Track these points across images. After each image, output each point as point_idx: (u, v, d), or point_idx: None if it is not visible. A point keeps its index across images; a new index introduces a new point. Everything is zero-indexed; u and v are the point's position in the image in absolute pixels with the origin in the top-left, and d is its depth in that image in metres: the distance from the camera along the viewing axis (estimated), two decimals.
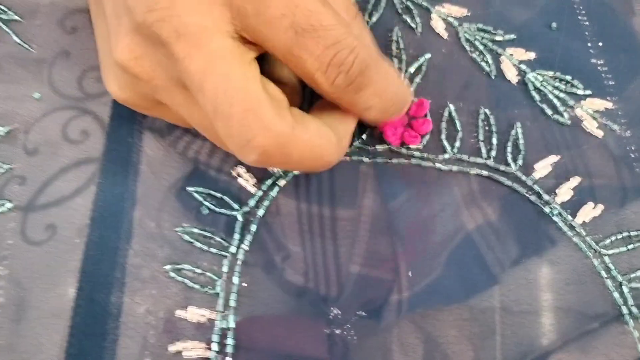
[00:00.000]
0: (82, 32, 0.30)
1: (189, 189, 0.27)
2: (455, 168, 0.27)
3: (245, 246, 0.26)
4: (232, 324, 0.24)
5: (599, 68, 0.30)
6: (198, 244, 0.25)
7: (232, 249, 0.25)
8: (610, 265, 0.26)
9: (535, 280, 0.26)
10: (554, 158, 0.28)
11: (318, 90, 0.23)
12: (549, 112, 0.29)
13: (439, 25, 0.31)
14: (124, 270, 0.25)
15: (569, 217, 0.27)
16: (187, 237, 0.26)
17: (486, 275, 0.26)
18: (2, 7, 0.30)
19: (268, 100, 0.20)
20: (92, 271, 0.25)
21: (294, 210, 0.26)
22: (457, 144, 0.28)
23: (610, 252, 0.26)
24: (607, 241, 0.26)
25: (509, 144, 0.28)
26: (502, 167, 0.28)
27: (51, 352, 0.23)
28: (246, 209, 0.26)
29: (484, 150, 0.28)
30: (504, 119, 0.29)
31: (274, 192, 0.27)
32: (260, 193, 0.27)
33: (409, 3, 0.31)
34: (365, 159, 0.27)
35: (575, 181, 0.27)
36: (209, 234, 0.26)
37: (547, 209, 0.27)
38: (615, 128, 0.29)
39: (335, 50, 0.21)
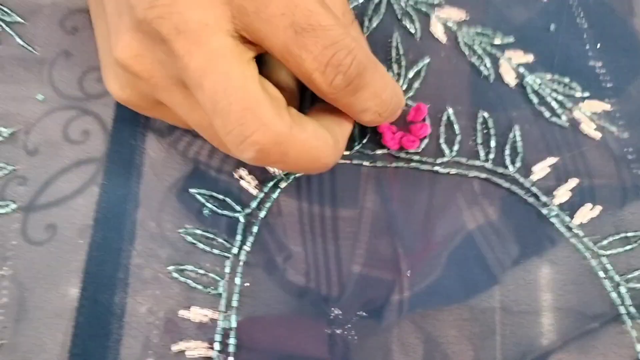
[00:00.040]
0: (82, 33, 0.30)
1: (192, 190, 0.27)
2: (453, 171, 0.28)
3: (247, 247, 0.26)
4: (234, 324, 0.24)
5: (597, 70, 0.30)
6: (201, 245, 0.26)
7: (234, 250, 0.26)
8: (608, 266, 0.26)
9: (534, 281, 0.26)
10: (552, 160, 0.28)
11: (316, 91, 0.23)
12: (547, 114, 0.29)
13: (438, 30, 0.31)
14: (127, 271, 0.25)
15: (567, 219, 0.27)
16: (189, 239, 0.26)
17: (486, 275, 0.26)
18: (5, 10, 0.30)
19: (267, 99, 0.20)
20: (95, 272, 0.25)
21: (296, 211, 0.27)
22: (456, 147, 0.28)
23: (608, 252, 0.26)
24: (605, 242, 0.27)
25: (508, 146, 0.28)
26: (501, 170, 0.28)
27: (54, 351, 0.24)
28: (248, 210, 0.26)
29: (482, 153, 0.28)
30: (503, 121, 0.29)
31: (275, 194, 0.27)
32: (261, 195, 0.27)
33: (408, 8, 0.32)
34: (366, 163, 0.28)
35: (573, 183, 0.28)
36: (211, 235, 0.26)
37: (545, 211, 0.27)
38: (613, 130, 0.29)
39: (334, 51, 0.21)
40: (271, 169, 0.27)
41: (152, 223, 0.26)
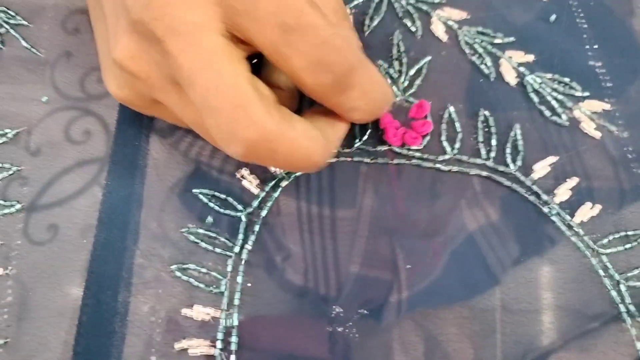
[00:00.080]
0: (83, 33, 0.30)
1: (195, 190, 0.27)
2: (455, 169, 0.28)
3: (249, 246, 0.26)
4: (236, 322, 0.25)
5: (597, 70, 0.30)
6: (203, 244, 0.26)
7: (236, 249, 0.26)
8: (608, 264, 0.26)
9: (535, 279, 0.26)
10: (552, 159, 0.28)
11: (305, 90, 0.23)
12: (547, 113, 0.29)
13: (438, 29, 0.31)
14: (130, 271, 0.25)
15: (568, 217, 0.27)
16: (192, 238, 0.26)
17: (487, 275, 0.26)
18: (10, 12, 0.30)
19: (257, 97, 0.20)
20: (98, 271, 0.25)
21: (294, 210, 0.27)
22: (457, 145, 0.28)
23: (608, 251, 0.26)
24: (605, 240, 0.27)
25: (508, 145, 0.28)
26: (502, 168, 0.28)
27: (57, 350, 0.24)
28: (250, 209, 0.27)
29: (483, 151, 0.28)
30: (503, 120, 0.29)
31: (276, 193, 0.27)
32: (263, 194, 0.27)
33: (409, 7, 0.32)
34: (367, 160, 0.28)
35: (573, 181, 0.28)
36: (213, 234, 0.26)
37: (545, 209, 0.27)
38: (613, 129, 0.29)
39: (322, 50, 0.21)
40: (272, 168, 0.27)
41: (155, 223, 0.26)
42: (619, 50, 0.31)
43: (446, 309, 0.25)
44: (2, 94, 0.29)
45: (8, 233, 0.26)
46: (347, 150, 0.28)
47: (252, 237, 0.26)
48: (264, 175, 0.27)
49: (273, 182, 0.27)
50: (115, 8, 0.22)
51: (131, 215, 0.26)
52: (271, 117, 0.21)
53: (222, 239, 0.26)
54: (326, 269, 0.26)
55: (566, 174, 0.28)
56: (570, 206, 0.27)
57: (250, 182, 0.27)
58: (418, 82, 0.30)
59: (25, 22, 0.30)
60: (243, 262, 0.26)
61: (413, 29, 0.31)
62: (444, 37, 0.31)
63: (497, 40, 0.31)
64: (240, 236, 0.26)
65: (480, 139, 0.29)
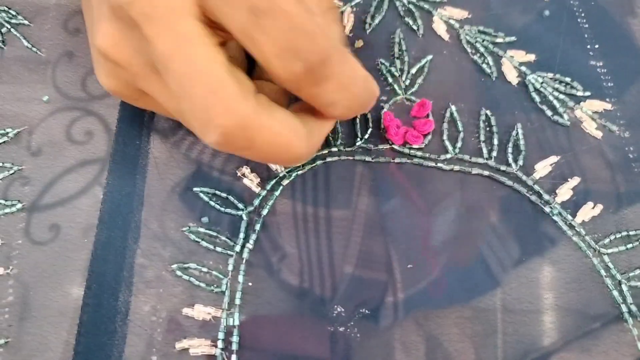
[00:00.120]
0: (85, 33, 0.30)
1: (196, 189, 0.27)
2: (456, 168, 0.28)
3: (249, 245, 0.26)
4: (237, 322, 0.25)
5: (598, 70, 0.30)
6: (204, 243, 0.26)
7: (237, 248, 0.26)
8: (610, 264, 0.26)
9: (536, 279, 0.26)
10: (554, 158, 0.28)
11: (276, 80, 0.22)
12: (549, 113, 0.29)
13: (440, 28, 0.31)
14: (131, 270, 0.25)
15: (569, 217, 0.27)
16: (193, 237, 0.26)
17: (488, 276, 0.26)
18: (12, 12, 0.30)
19: (233, 83, 0.20)
20: (99, 271, 0.25)
21: (290, 210, 0.27)
22: (459, 144, 0.28)
23: (610, 251, 0.26)
24: (607, 240, 0.27)
25: (510, 144, 0.28)
26: (503, 167, 0.28)
27: (58, 350, 0.24)
28: (250, 208, 0.27)
29: (485, 151, 0.28)
30: (505, 119, 0.29)
31: (277, 192, 0.27)
32: (264, 193, 0.27)
33: (410, 6, 0.32)
34: (368, 159, 0.28)
35: (574, 181, 0.28)
36: (214, 234, 0.26)
37: (547, 209, 0.27)
38: (614, 129, 0.29)
39: (292, 35, 0.20)
40: (273, 167, 0.27)
41: (156, 222, 0.26)
42: (620, 50, 0.31)
43: (447, 309, 0.25)
44: (4, 94, 0.29)
45: (9, 233, 0.26)
46: (348, 149, 0.28)
47: (253, 236, 0.26)
48: (264, 173, 0.27)
49: (274, 181, 0.27)
50: None
51: (132, 215, 0.26)
52: (247, 103, 0.20)
53: (223, 238, 0.26)
54: (321, 270, 0.26)
55: (568, 173, 0.28)
56: (572, 206, 0.27)
57: (251, 181, 0.27)
58: (420, 80, 0.30)
59: (26, 22, 0.30)
60: (244, 261, 0.26)
61: (414, 27, 0.31)
62: (445, 36, 0.31)
63: (498, 40, 0.31)
64: (241, 235, 0.26)
65: (482, 138, 0.28)
